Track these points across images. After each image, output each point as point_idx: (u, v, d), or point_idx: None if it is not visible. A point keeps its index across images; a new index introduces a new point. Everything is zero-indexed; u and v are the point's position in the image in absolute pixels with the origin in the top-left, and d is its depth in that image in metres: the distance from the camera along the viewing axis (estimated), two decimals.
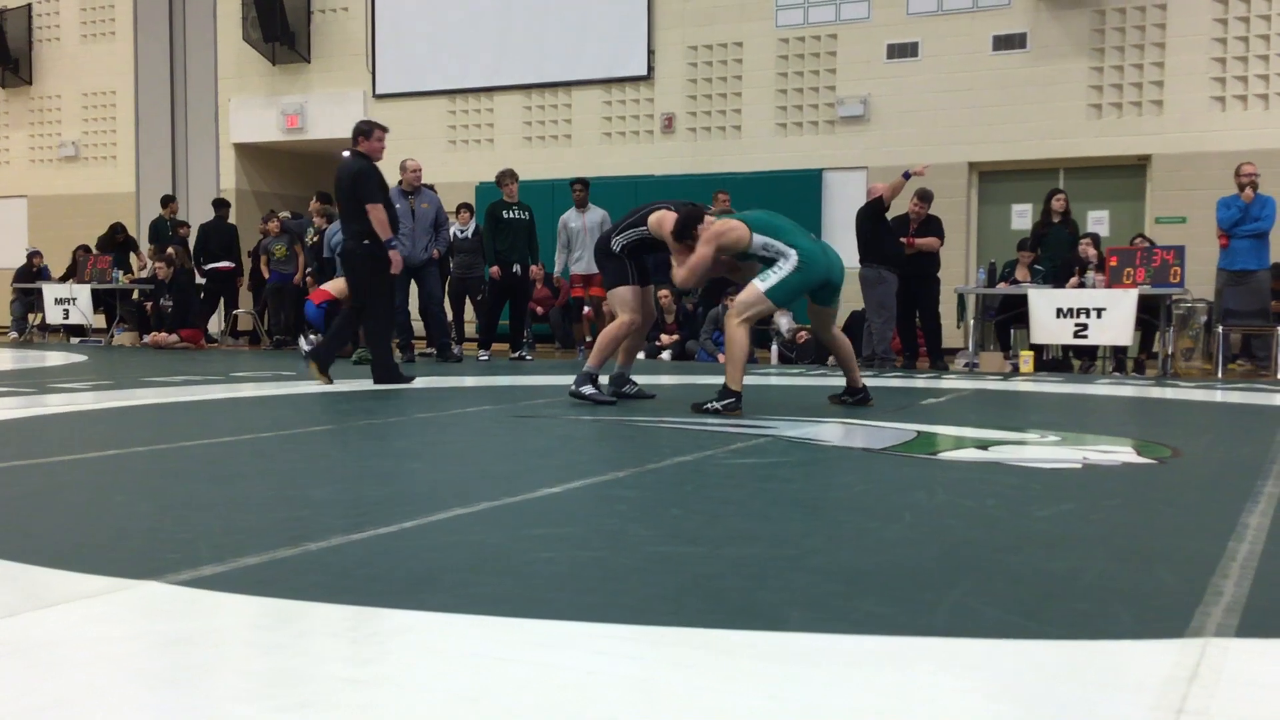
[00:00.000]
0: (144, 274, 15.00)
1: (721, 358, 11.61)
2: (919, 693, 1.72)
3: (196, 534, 2.84)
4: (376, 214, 7.90)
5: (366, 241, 7.90)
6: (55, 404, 6.39)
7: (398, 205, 10.78)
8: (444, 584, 2.34)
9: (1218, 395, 7.84)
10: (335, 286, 11.61)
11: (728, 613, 2.15)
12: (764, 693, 1.71)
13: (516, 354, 11.51)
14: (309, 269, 12.91)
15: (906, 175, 10.07)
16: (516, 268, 11.28)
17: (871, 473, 4.10)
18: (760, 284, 6.01)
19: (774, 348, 12.02)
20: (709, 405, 5.90)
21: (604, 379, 6.72)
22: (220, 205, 14.76)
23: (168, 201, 15.68)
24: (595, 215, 11.60)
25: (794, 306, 12.46)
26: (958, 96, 13.30)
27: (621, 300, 6.67)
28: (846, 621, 2.09)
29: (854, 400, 6.43)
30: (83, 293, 14.99)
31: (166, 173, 17.99)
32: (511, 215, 11.30)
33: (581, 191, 11.68)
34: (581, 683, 1.74)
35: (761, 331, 12.43)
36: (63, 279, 15.74)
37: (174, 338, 13.23)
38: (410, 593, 2.27)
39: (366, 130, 8.20)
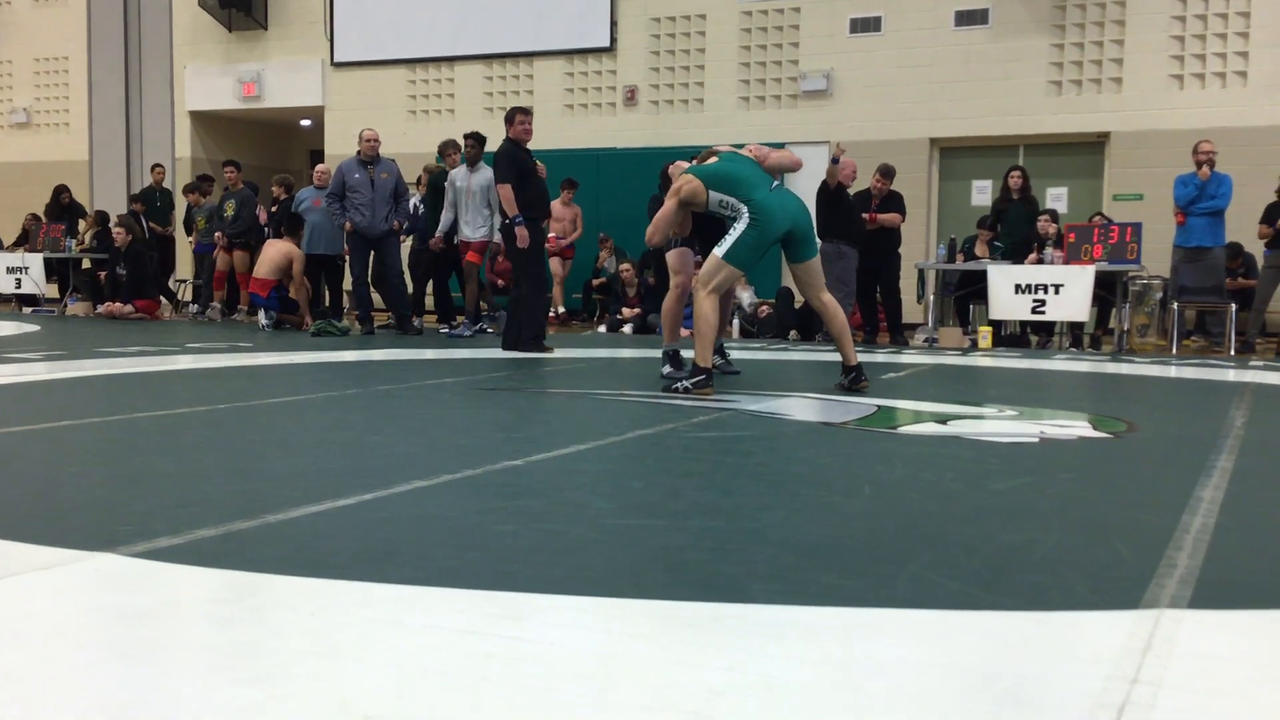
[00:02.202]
0: (92, 241, 14.73)
1: (684, 332, 11.65)
2: (878, 664, 1.74)
3: (151, 506, 2.81)
4: (503, 193, 8.47)
5: (507, 221, 8.49)
6: (7, 374, 6.29)
7: (356, 175, 10.69)
8: (404, 557, 2.33)
9: (1172, 371, 7.94)
10: (265, 268, 11.54)
11: (689, 585, 2.15)
12: (725, 664, 1.71)
13: (478, 326, 11.46)
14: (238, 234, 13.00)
15: (835, 160, 10.16)
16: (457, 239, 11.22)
17: (832, 446, 4.12)
18: (718, 250, 5.70)
19: (735, 322, 12.05)
20: (678, 385, 5.65)
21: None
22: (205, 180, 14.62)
23: (155, 168, 15.50)
24: (484, 176, 10.43)
25: (763, 271, 12.51)
26: (919, 72, 13.33)
27: (670, 265, 6.72)
28: (806, 593, 2.10)
29: (848, 383, 5.97)
30: (35, 262, 14.75)
31: (120, 140, 17.71)
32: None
33: (474, 148, 10.55)
34: (542, 655, 1.74)
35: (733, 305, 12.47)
36: (14, 247, 15.48)
37: (129, 308, 13.06)
38: (370, 565, 2.26)
39: (509, 116, 8.73)
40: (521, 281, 8.71)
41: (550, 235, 12.67)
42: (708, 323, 5.68)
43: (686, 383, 5.64)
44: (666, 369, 6.44)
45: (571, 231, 13.45)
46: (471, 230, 10.55)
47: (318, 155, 16.62)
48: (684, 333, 6.93)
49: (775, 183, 5.85)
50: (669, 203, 6.03)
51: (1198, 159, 10.09)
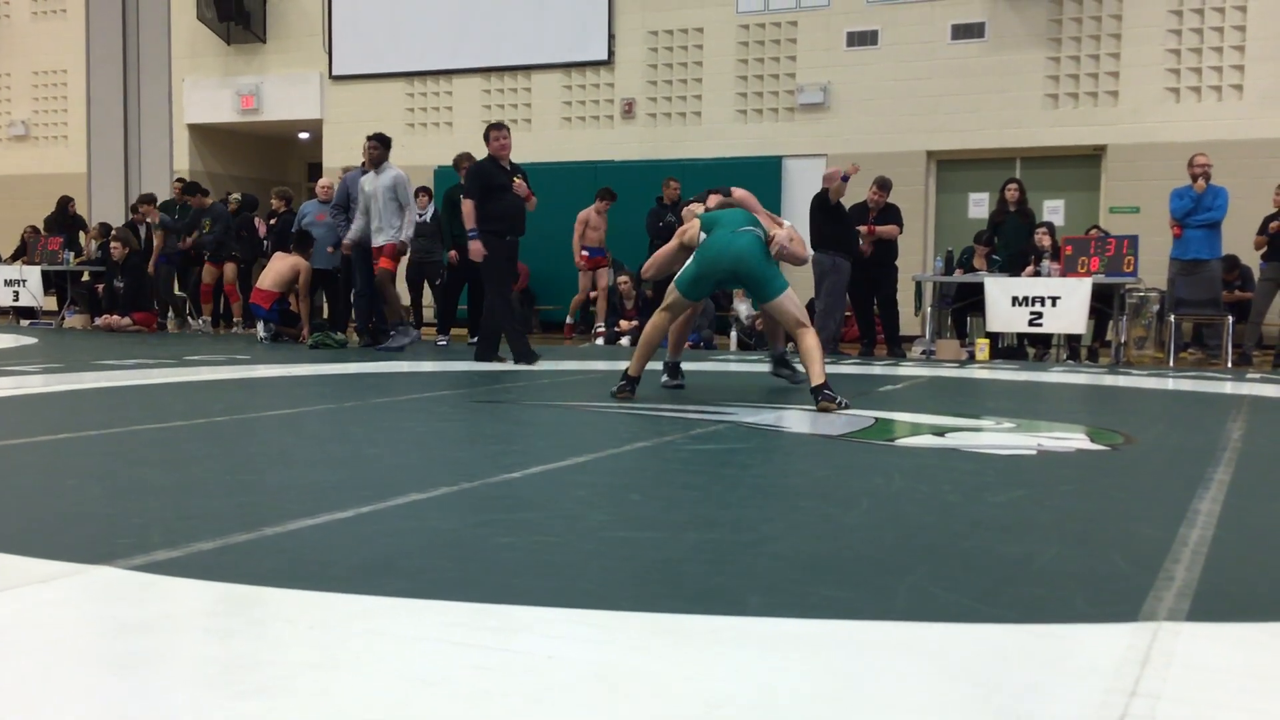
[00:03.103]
0: (96, 253, 14.77)
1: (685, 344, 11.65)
2: (876, 676, 1.73)
3: (149, 519, 2.81)
4: (464, 207, 8.69)
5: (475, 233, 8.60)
6: (5, 387, 6.28)
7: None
8: (402, 569, 2.33)
9: (1169, 383, 7.95)
10: (269, 280, 11.55)
11: (687, 597, 2.15)
12: (723, 677, 1.71)
13: (475, 338, 11.44)
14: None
15: (845, 178, 10.17)
16: None
17: (830, 459, 4.12)
18: (676, 276, 6.19)
19: (733, 334, 12.06)
20: (616, 389, 6.01)
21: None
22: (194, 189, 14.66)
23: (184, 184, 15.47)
24: (388, 177, 10.11)
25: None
26: (916, 85, 13.37)
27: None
28: (805, 606, 2.10)
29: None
30: (33, 274, 14.75)
31: (119, 153, 17.73)
32: None
33: (377, 150, 10.17)
34: (540, 668, 1.74)
35: (721, 319, 12.48)
36: (12, 260, 15.48)
37: (126, 320, 13.06)
38: (368, 578, 2.25)
39: (485, 133, 8.83)
40: (488, 294, 8.86)
41: (583, 252, 12.63)
42: (648, 332, 6.14)
43: (614, 387, 5.98)
44: (664, 379, 6.67)
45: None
46: (380, 235, 10.11)
47: (316, 168, 16.67)
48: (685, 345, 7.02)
49: (744, 227, 5.95)
50: (672, 243, 6.31)
51: (1193, 172, 10.12)
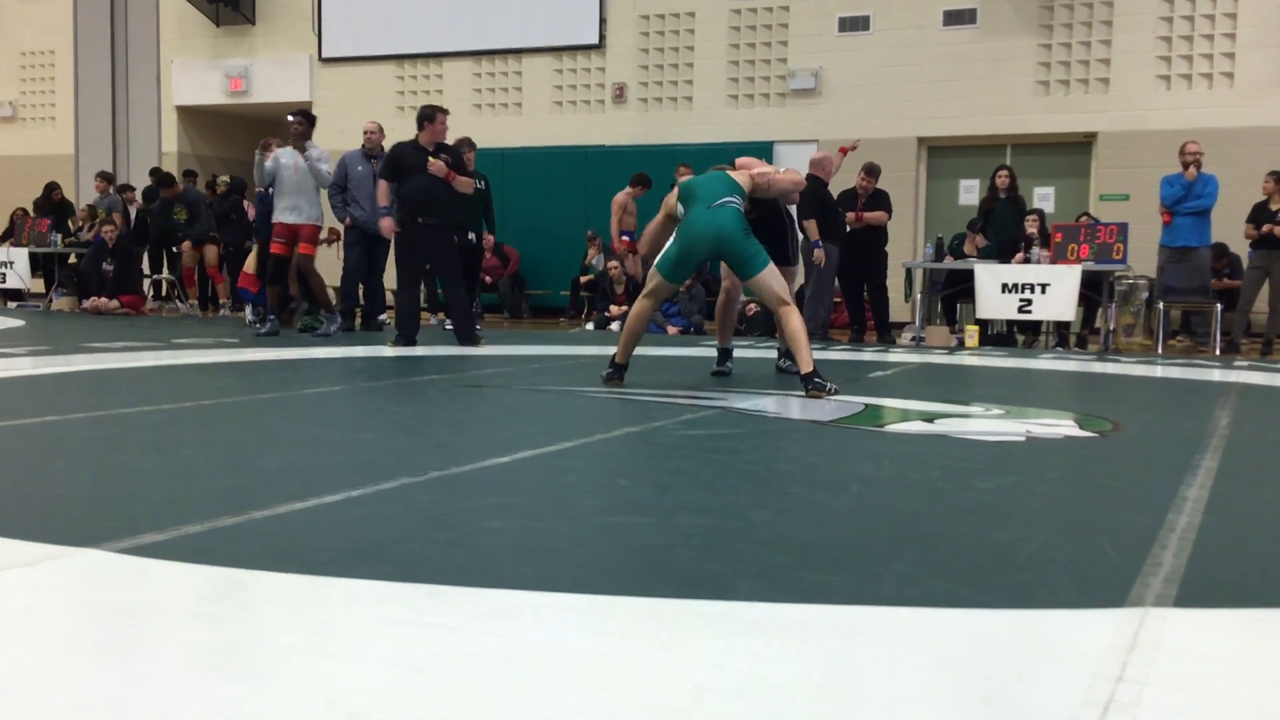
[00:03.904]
0: (87, 235, 14.70)
1: (671, 329, 11.66)
2: (865, 662, 1.74)
3: (137, 502, 2.80)
4: (379, 188, 8.88)
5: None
6: None
7: (359, 168, 10.64)
8: (391, 553, 2.32)
9: (1158, 370, 7.97)
10: (254, 263, 11.46)
11: (676, 583, 2.15)
12: (712, 662, 1.71)
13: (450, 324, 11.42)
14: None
15: (843, 151, 10.17)
16: (471, 236, 11.19)
17: (819, 445, 4.12)
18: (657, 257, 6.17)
19: None
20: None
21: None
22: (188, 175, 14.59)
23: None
24: (310, 154, 9.63)
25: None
26: (908, 71, 13.36)
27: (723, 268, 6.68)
28: (794, 591, 2.10)
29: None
30: (20, 256, 14.68)
31: (107, 135, 17.63)
32: None
33: (302, 125, 9.74)
34: (529, 653, 1.74)
35: (712, 304, 12.47)
36: None
37: (114, 303, 13.01)
38: (356, 562, 2.25)
39: (430, 115, 8.75)
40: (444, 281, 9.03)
41: (623, 237, 12.48)
42: (633, 320, 6.13)
43: (603, 373, 6.02)
44: (714, 366, 6.75)
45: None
46: (295, 214, 9.67)
47: None
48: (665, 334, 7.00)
49: (721, 200, 5.77)
50: (660, 216, 6.27)
51: (1184, 159, 10.13)
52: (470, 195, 11.11)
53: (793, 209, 6.60)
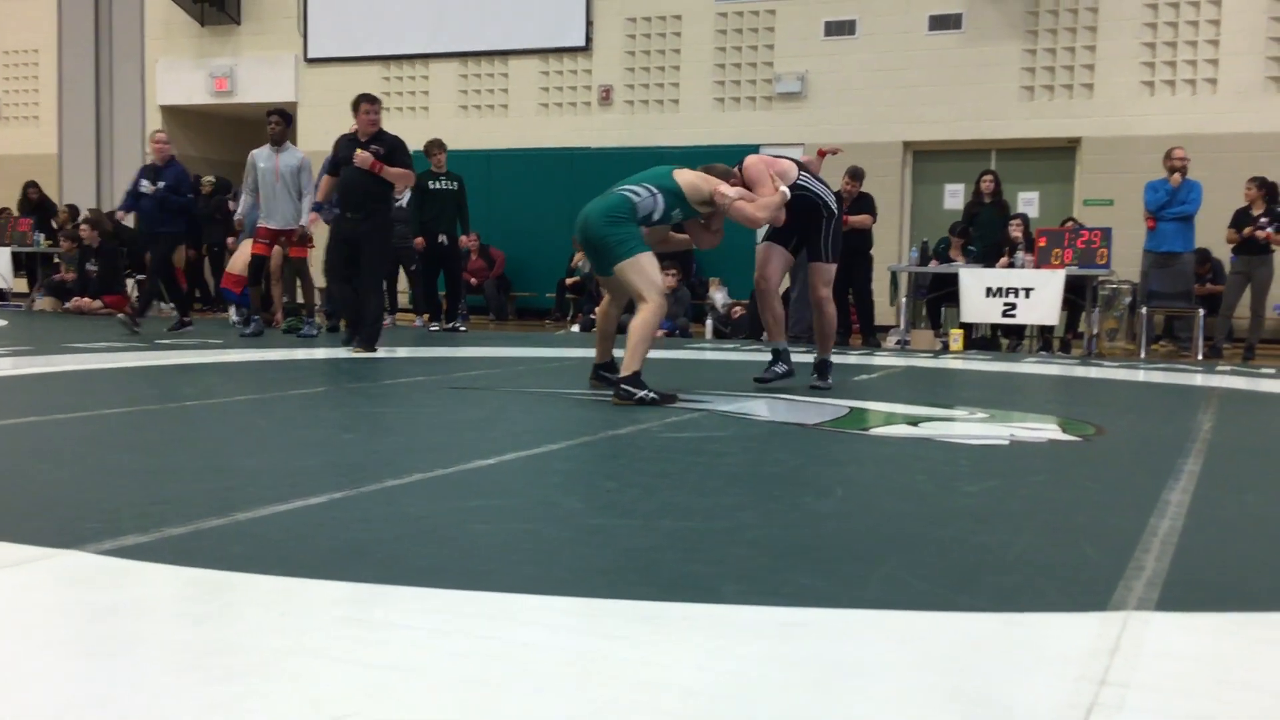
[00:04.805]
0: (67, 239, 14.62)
1: (659, 333, 11.65)
2: (850, 664, 1.74)
3: (120, 503, 2.79)
4: (321, 183, 8.67)
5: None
6: None
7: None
8: (376, 555, 2.32)
9: (1140, 375, 8.01)
10: (241, 264, 11.38)
11: (662, 585, 2.16)
12: (697, 664, 1.72)
13: (450, 325, 11.42)
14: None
15: (822, 154, 10.14)
16: (442, 238, 11.18)
17: (804, 448, 4.13)
18: None
19: (709, 322, 12.07)
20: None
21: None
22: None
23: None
24: (292, 158, 9.52)
25: (735, 271, 12.48)
26: (893, 75, 13.39)
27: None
28: (779, 594, 2.10)
29: (600, 379, 5.81)
30: (2, 256, 14.59)
31: (91, 135, 17.54)
32: (439, 185, 11.21)
33: (279, 126, 9.58)
34: (515, 655, 1.74)
35: (698, 306, 12.48)
36: None
37: (97, 303, 12.95)
38: (341, 564, 2.24)
39: (354, 105, 8.27)
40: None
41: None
42: (600, 321, 5.96)
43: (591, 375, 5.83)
44: (777, 367, 6.19)
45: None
46: (278, 219, 9.43)
47: None
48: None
49: (620, 187, 5.46)
50: None
51: (1171, 165, 10.18)
52: (443, 199, 11.12)
53: (820, 194, 6.06)
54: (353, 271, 8.16)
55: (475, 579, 2.15)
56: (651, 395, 5.08)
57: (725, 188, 5.55)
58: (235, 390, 5.58)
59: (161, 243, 10.24)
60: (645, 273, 5.24)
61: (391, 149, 8.07)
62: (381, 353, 8.11)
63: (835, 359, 6.43)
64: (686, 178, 5.53)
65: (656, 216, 5.46)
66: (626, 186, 5.46)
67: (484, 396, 5.51)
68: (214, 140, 17.86)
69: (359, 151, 7.91)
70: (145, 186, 10.07)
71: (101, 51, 17.51)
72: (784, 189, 5.73)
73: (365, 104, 8.07)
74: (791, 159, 5.96)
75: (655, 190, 5.43)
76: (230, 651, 1.73)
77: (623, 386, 5.11)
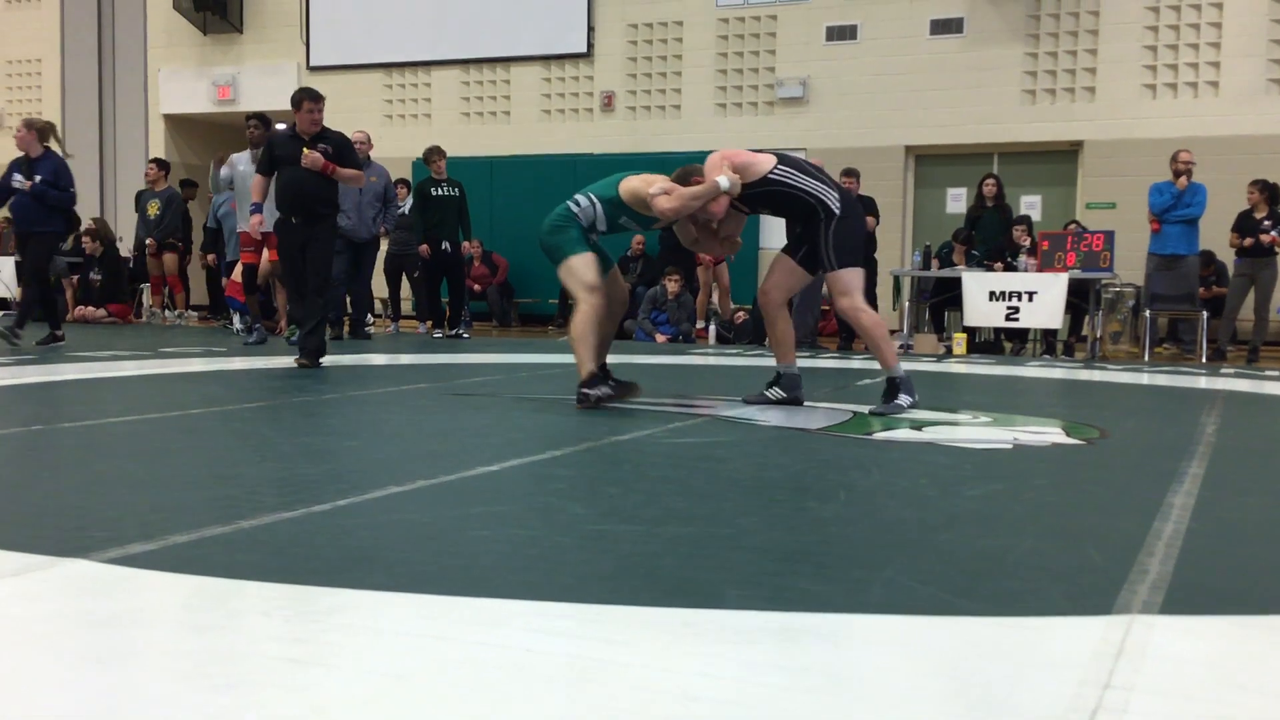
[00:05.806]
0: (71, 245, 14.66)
1: (659, 338, 11.66)
2: (853, 669, 1.74)
3: (124, 511, 2.79)
4: (253, 181, 8.00)
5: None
6: None
7: None
8: (379, 562, 2.32)
9: (1144, 378, 8.00)
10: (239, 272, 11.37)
11: (664, 591, 2.15)
12: (700, 670, 1.71)
13: (454, 331, 11.43)
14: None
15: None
16: (446, 245, 11.19)
17: (807, 453, 4.13)
18: None
19: (711, 328, 12.07)
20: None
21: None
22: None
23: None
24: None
25: (740, 278, 12.48)
26: (895, 79, 13.40)
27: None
28: (781, 599, 2.10)
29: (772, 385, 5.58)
30: (6, 265, 14.60)
31: (94, 143, 17.58)
32: (440, 192, 11.21)
33: (258, 130, 9.44)
34: (518, 661, 1.74)
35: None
36: None
37: (101, 312, 12.96)
38: (345, 571, 2.24)
39: (295, 101, 7.59)
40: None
41: None
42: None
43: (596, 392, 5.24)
44: (769, 393, 5.67)
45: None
46: (270, 222, 8.57)
47: None
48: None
49: (575, 196, 5.36)
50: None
51: (1176, 168, 10.18)
52: (445, 206, 11.12)
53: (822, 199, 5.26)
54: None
55: (477, 585, 2.15)
56: (605, 391, 5.10)
57: (656, 186, 5.25)
58: (239, 398, 5.59)
59: (38, 242, 9.28)
60: (575, 274, 5.21)
61: (340, 147, 7.52)
62: (383, 359, 8.11)
63: (836, 364, 6.41)
64: (630, 184, 5.31)
65: (601, 226, 5.35)
66: (575, 196, 5.38)
67: (487, 403, 5.51)
68: (216, 149, 17.82)
69: (307, 151, 7.29)
70: (19, 181, 9.17)
71: (104, 61, 17.56)
72: (721, 181, 5.12)
73: (308, 101, 7.44)
74: (791, 157, 5.69)
75: (594, 200, 5.31)
76: (232, 660, 1.73)
77: (581, 391, 5.11)
